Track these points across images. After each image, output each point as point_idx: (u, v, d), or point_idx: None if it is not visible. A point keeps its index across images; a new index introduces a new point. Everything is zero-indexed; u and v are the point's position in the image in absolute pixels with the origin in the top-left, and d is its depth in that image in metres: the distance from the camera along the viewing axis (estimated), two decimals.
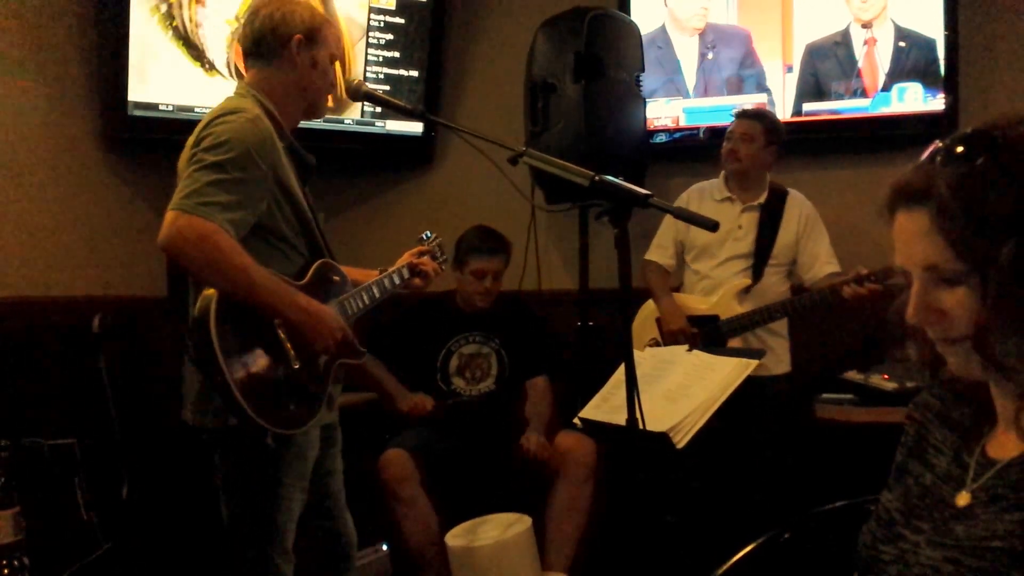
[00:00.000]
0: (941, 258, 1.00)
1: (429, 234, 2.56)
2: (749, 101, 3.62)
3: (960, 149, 1.00)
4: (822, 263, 3.21)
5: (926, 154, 1.04)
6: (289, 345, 1.94)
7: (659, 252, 3.36)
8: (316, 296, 2.02)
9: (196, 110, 3.35)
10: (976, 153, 0.99)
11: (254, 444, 1.92)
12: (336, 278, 2.15)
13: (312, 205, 2.13)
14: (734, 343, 3.12)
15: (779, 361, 3.22)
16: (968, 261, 0.98)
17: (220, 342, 1.81)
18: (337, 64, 2.18)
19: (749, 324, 3.12)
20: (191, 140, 1.96)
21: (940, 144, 1.03)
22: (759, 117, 3.23)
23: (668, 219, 3.35)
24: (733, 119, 3.26)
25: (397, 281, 2.35)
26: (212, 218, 1.82)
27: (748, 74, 3.64)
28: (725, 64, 3.68)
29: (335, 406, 2.18)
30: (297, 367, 1.95)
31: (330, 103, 2.20)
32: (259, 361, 1.89)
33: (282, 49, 2.05)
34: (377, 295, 2.25)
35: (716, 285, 3.21)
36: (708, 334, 3.13)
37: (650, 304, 3.31)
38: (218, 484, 2.04)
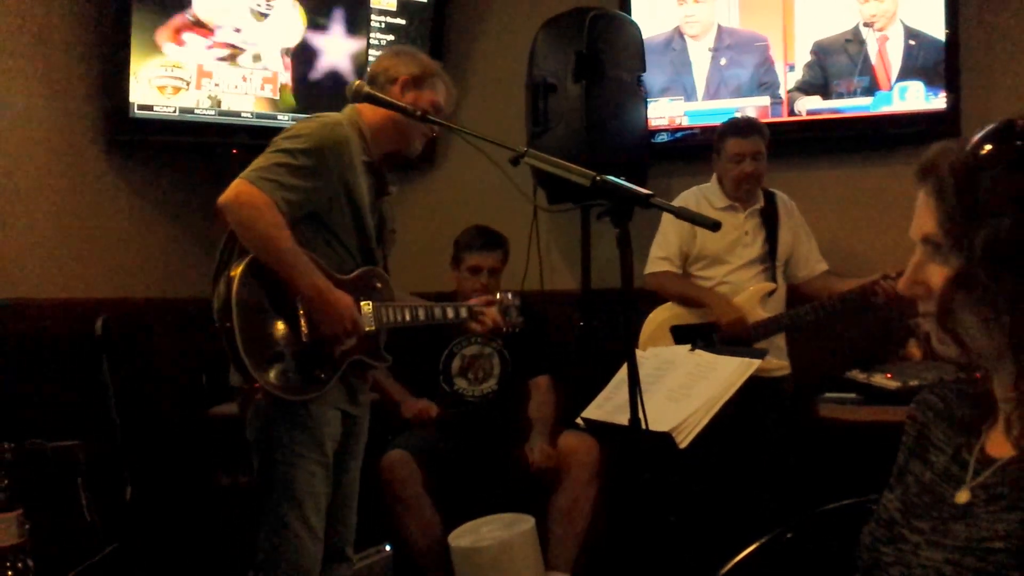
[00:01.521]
0: (933, 231, 1.04)
1: (512, 295, 2.60)
2: (752, 103, 3.62)
3: (982, 135, 1.03)
4: (814, 262, 3.23)
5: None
6: (304, 321, 2.09)
7: (667, 263, 3.26)
8: (352, 293, 2.15)
9: (196, 112, 3.35)
10: (991, 139, 1.02)
11: (274, 404, 2.06)
12: (379, 285, 2.29)
13: (387, 217, 2.35)
14: (761, 347, 3.07)
15: (783, 362, 3.22)
16: (951, 239, 1.02)
17: (238, 292, 1.99)
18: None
19: (776, 328, 3.11)
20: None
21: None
22: (760, 131, 3.18)
23: (671, 230, 3.26)
24: (732, 137, 3.17)
25: (451, 315, 2.46)
26: (268, 192, 2.03)
27: (766, 81, 3.62)
28: (738, 70, 3.65)
29: (361, 401, 2.30)
30: (305, 342, 2.08)
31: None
32: (271, 323, 2.05)
33: (389, 86, 2.28)
34: (421, 317, 2.38)
35: (735, 291, 3.17)
36: (733, 339, 3.08)
37: (658, 315, 3.24)
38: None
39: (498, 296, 2.59)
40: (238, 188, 2.05)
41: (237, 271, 2.02)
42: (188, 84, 3.32)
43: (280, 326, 2.07)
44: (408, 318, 2.34)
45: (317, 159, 2.11)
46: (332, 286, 2.11)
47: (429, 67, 2.36)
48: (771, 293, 3.17)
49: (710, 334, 3.12)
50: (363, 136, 2.25)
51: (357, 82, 2.24)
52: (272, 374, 2.03)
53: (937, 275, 1.05)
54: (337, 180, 2.15)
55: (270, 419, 2.11)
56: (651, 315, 3.26)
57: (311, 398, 2.11)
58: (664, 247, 3.28)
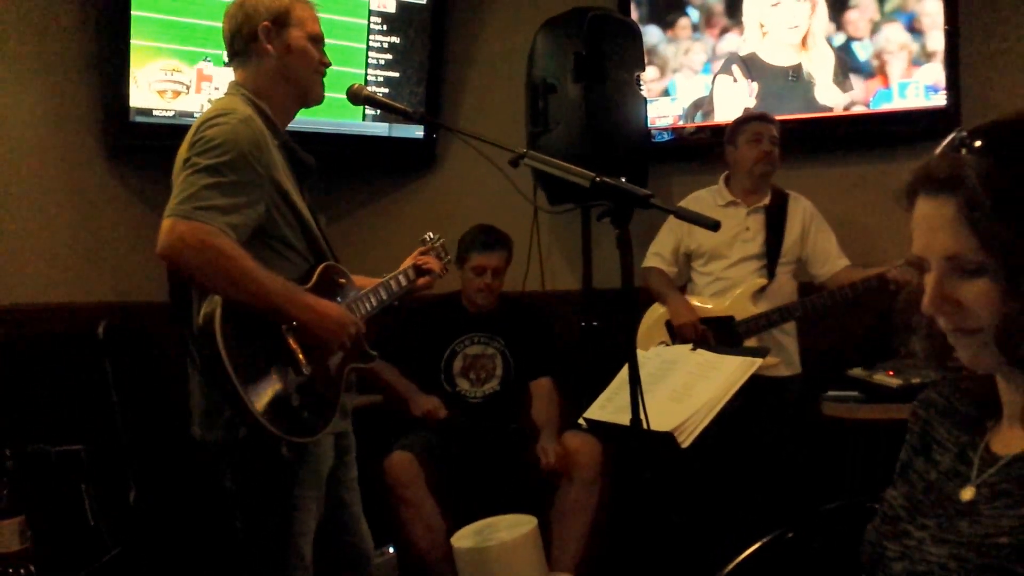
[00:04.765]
0: (965, 248, 0.99)
1: (432, 235, 2.55)
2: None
3: (990, 140, 1.00)
4: (835, 258, 3.23)
5: (947, 142, 1.03)
6: (299, 351, 1.91)
7: (658, 259, 3.33)
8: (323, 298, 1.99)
9: (196, 116, 3.35)
10: (1009, 145, 0.99)
11: (267, 455, 1.88)
12: (342, 280, 2.11)
13: (312, 207, 2.09)
14: (750, 344, 3.10)
15: (790, 362, 3.22)
16: (994, 253, 0.97)
17: (227, 351, 1.76)
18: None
19: (766, 324, 3.11)
20: (184, 145, 1.93)
21: (964, 133, 1.02)
22: (774, 121, 3.23)
23: (668, 227, 3.33)
24: (753, 122, 3.21)
25: (404, 283, 2.32)
26: (212, 222, 1.78)
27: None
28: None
29: (348, 414, 2.13)
30: (308, 373, 1.92)
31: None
32: (269, 369, 1.86)
33: (254, 42, 2.01)
34: (384, 297, 2.22)
35: (730, 286, 3.20)
36: (723, 334, 3.11)
37: (656, 309, 3.28)
38: (226, 492, 2.01)
39: (428, 244, 2.48)
40: (176, 230, 1.77)
41: (215, 324, 1.77)
42: (188, 88, 3.32)
43: (280, 367, 1.88)
44: (375, 303, 2.18)
45: (245, 168, 1.85)
46: (317, 297, 1.94)
47: None
48: (763, 289, 3.17)
49: (704, 329, 3.13)
50: (264, 114, 1.99)
51: (357, 84, 2.19)
52: (294, 424, 1.86)
53: (970, 291, 1.00)
54: (268, 182, 1.91)
55: (273, 471, 1.92)
56: (649, 310, 3.29)
57: (330, 427, 1.97)
58: (658, 244, 3.35)
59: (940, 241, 1.01)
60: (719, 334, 3.12)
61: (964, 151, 1.00)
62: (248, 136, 1.88)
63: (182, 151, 1.92)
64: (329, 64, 2.12)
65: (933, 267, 1.03)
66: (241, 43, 2.03)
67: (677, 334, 3.16)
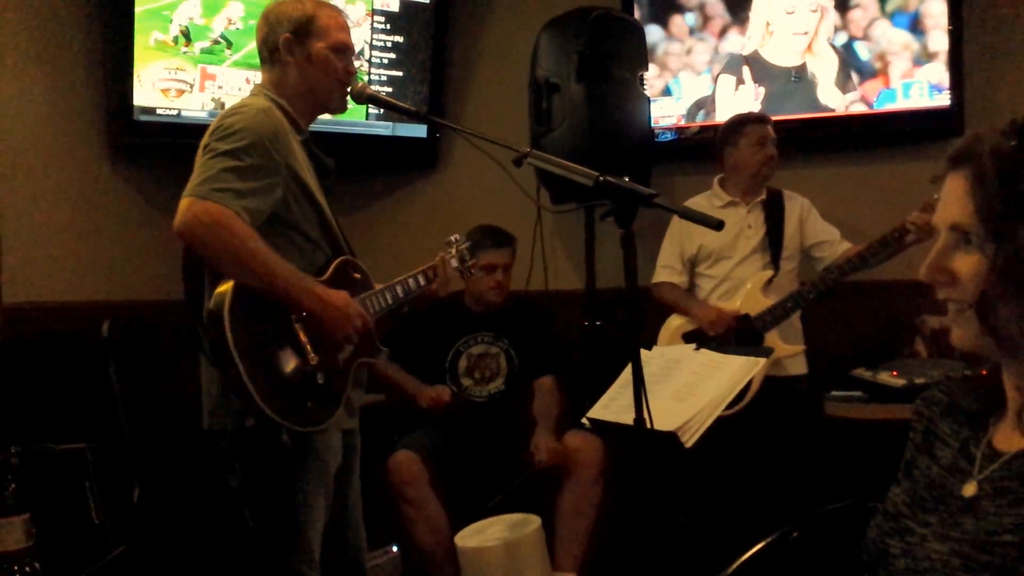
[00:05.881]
0: (966, 220, 1.03)
1: (458, 237, 2.48)
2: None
3: (1020, 124, 1.03)
4: (838, 242, 3.23)
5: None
6: (306, 341, 1.92)
7: (668, 272, 3.31)
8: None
9: (200, 114, 3.36)
10: None
11: (273, 446, 1.89)
12: (357, 275, 2.12)
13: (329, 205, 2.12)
14: (771, 336, 3.10)
15: (798, 361, 3.21)
16: (989, 228, 1.01)
17: (234, 335, 1.79)
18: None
19: (782, 314, 3.11)
20: (205, 135, 1.97)
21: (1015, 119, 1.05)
22: (770, 121, 3.23)
23: (669, 237, 3.33)
24: (752, 124, 3.21)
25: (422, 282, 2.31)
26: (228, 204, 1.82)
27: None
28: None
29: (356, 411, 2.14)
30: (315, 363, 1.93)
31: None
32: (275, 356, 1.88)
33: (277, 53, 2.07)
34: (400, 295, 2.22)
35: (737, 285, 3.20)
36: (742, 333, 3.11)
37: (672, 322, 3.27)
38: (234, 487, 2.01)
39: (453, 246, 2.44)
40: (191, 209, 1.82)
41: (224, 307, 1.80)
42: (191, 87, 3.33)
43: (285, 355, 1.89)
44: (390, 300, 2.18)
45: (262, 154, 1.90)
46: (327, 288, 1.96)
47: (305, 8, 2.06)
48: (771, 280, 3.17)
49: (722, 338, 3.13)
50: (287, 113, 2.04)
51: (360, 83, 2.20)
52: (295, 413, 1.87)
53: (965, 264, 1.04)
54: (286, 171, 1.95)
55: (278, 461, 1.93)
56: (667, 321, 3.29)
57: (334, 419, 1.97)
58: (664, 256, 3.35)
59: (948, 211, 1.05)
60: (738, 334, 3.11)
61: (994, 130, 1.04)
62: (267, 124, 1.93)
63: (204, 140, 1.97)
64: (354, 72, 2.15)
65: (940, 236, 1.07)
66: (266, 52, 2.09)
67: (713, 334, 3.13)
